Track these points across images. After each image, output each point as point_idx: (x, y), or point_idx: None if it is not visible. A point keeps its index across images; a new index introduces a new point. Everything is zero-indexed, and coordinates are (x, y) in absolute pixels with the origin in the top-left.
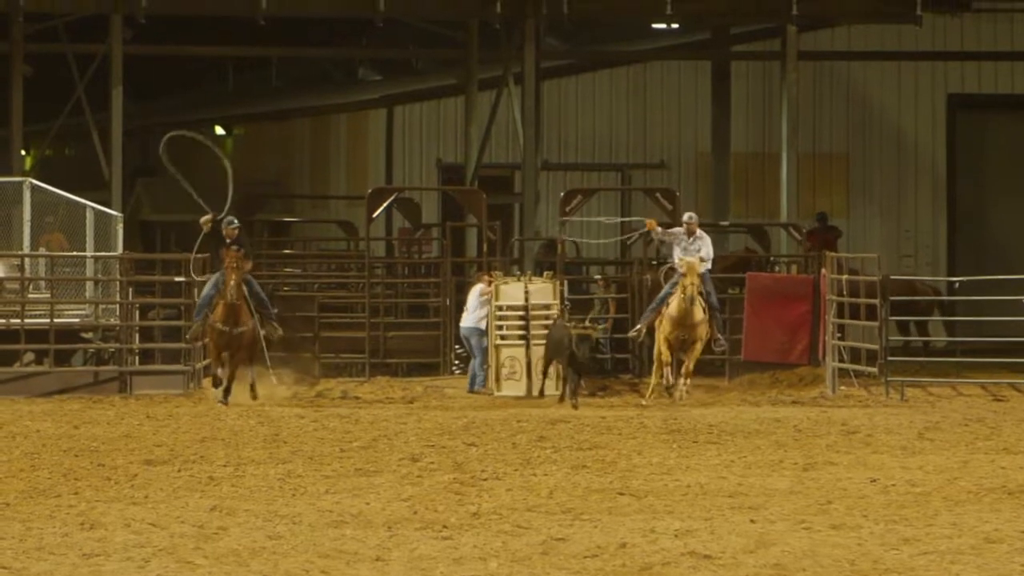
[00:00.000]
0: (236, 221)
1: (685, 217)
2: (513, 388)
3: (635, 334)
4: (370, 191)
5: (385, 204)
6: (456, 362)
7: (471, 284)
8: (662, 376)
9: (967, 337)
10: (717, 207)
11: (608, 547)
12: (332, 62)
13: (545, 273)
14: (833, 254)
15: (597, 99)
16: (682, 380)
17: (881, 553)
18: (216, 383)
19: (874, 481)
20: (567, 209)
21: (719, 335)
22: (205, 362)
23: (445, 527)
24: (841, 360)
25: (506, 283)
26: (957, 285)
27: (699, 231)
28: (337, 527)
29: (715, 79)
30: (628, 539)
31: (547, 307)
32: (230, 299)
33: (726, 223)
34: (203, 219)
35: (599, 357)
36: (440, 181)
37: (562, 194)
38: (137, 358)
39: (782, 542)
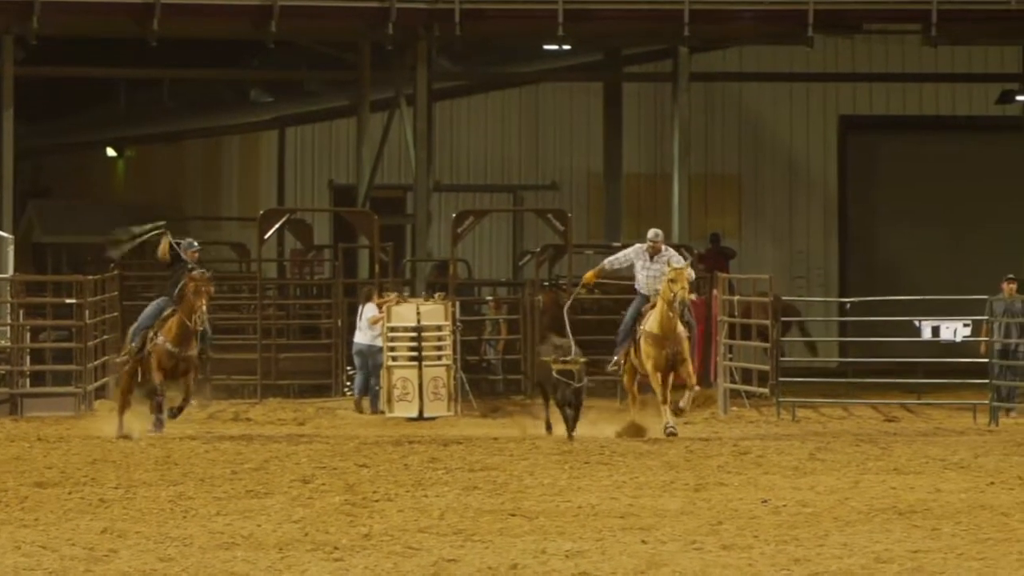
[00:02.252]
0: (196, 243)
1: (650, 234)
2: (405, 409)
3: (614, 368)
4: (262, 212)
5: (277, 225)
6: (348, 383)
7: (363, 301)
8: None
9: (858, 358)
10: (609, 228)
11: (499, 568)
12: (224, 83)
13: (437, 294)
14: (725, 275)
15: (489, 120)
16: (670, 415)
17: (772, 574)
18: (124, 409)
19: (765, 501)
20: (458, 230)
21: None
22: (97, 384)
23: (336, 549)
24: (732, 381)
25: (398, 304)
26: (848, 306)
27: (664, 247)
28: (228, 549)
29: (607, 100)
30: (519, 560)
31: (439, 328)
32: (196, 325)
33: (618, 244)
34: (161, 248)
35: (576, 387)
36: (332, 202)
37: (454, 215)
38: (28, 380)
39: (673, 563)
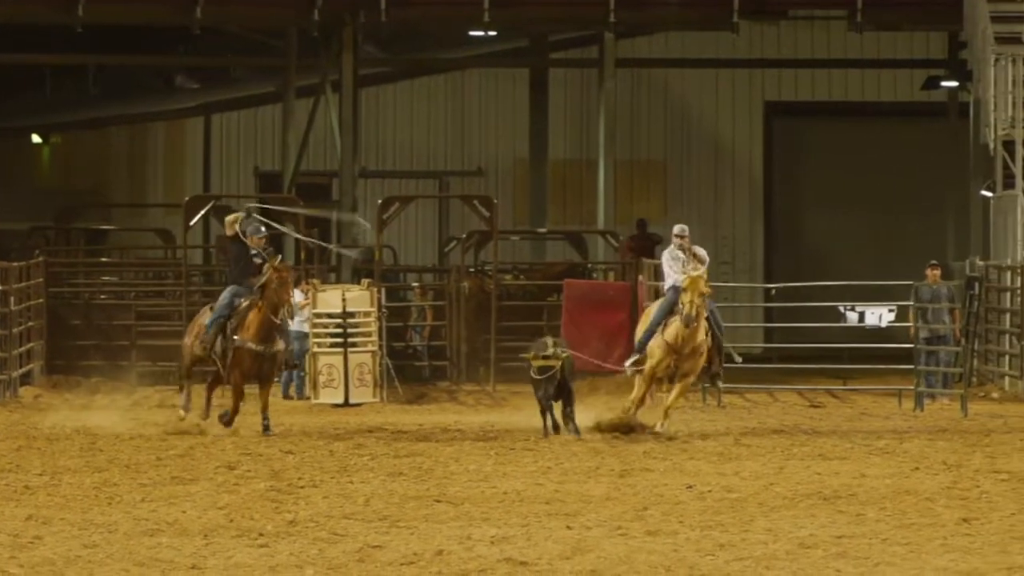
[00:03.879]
0: (264, 230)
1: (676, 229)
2: (330, 396)
3: (633, 368)
4: (187, 199)
5: (202, 212)
6: None
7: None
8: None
9: (784, 344)
10: (535, 214)
11: (424, 554)
12: (149, 70)
13: (363, 280)
14: (651, 261)
15: (415, 107)
16: (661, 421)
17: (697, 559)
18: (206, 414)
19: (690, 487)
20: (384, 217)
21: (718, 366)
22: (23, 371)
23: (261, 535)
24: None
25: (323, 290)
26: (773, 292)
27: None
28: (153, 536)
29: (533, 87)
30: (445, 546)
31: (366, 314)
32: (283, 318)
33: (543, 230)
34: (230, 217)
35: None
36: (257, 189)
37: (379, 202)
38: None
39: (598, 548)
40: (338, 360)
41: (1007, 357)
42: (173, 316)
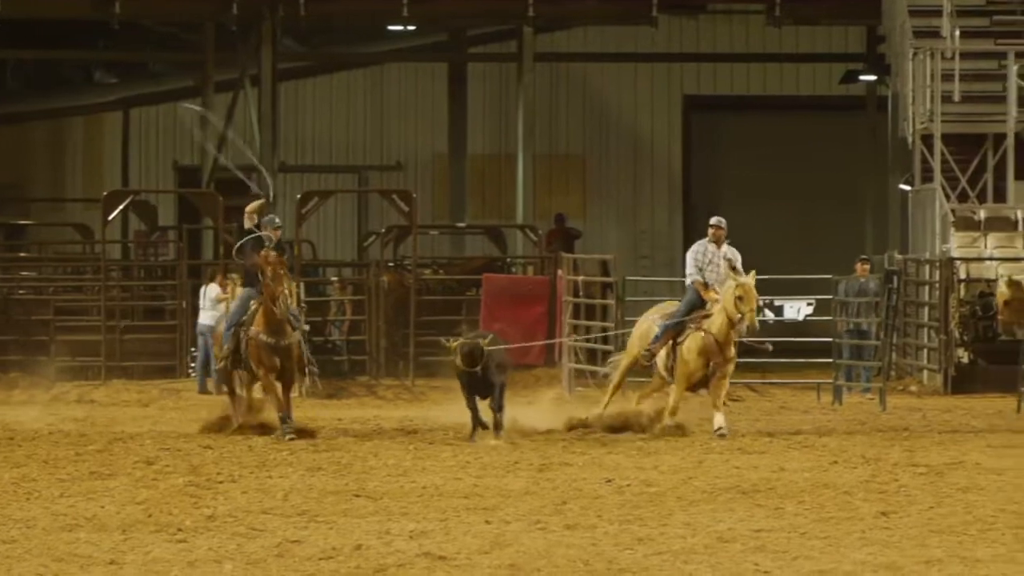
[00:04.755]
0: (279, 220)
1: (713, 220)
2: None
3: (646, 355)
4: (106, 194)
5: (121, 207)
6: (192, 364)
7: (206, 282)
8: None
9: None
10: (454, 209)
11: (343, 549)
12: (68, 64)
13: None
14: (569, 255)
15: (334, 101)
16: (720, 418)
17: (615, 553)
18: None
19: (609, 481)
20: (303, 211)
21: None
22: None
23: (180, 530)
24: (577, 361)
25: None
26: None
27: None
28: (71, 531)
29: (452, 81)
30: (363, 541)
31: None
32: (281, 313)
33: (462, 225)
34: (251, 207)
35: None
36: (176, 183)
37: (298, 196)
38: None
39: (517, 543)
40: None
41: (925, 351)
42: (92, 311)
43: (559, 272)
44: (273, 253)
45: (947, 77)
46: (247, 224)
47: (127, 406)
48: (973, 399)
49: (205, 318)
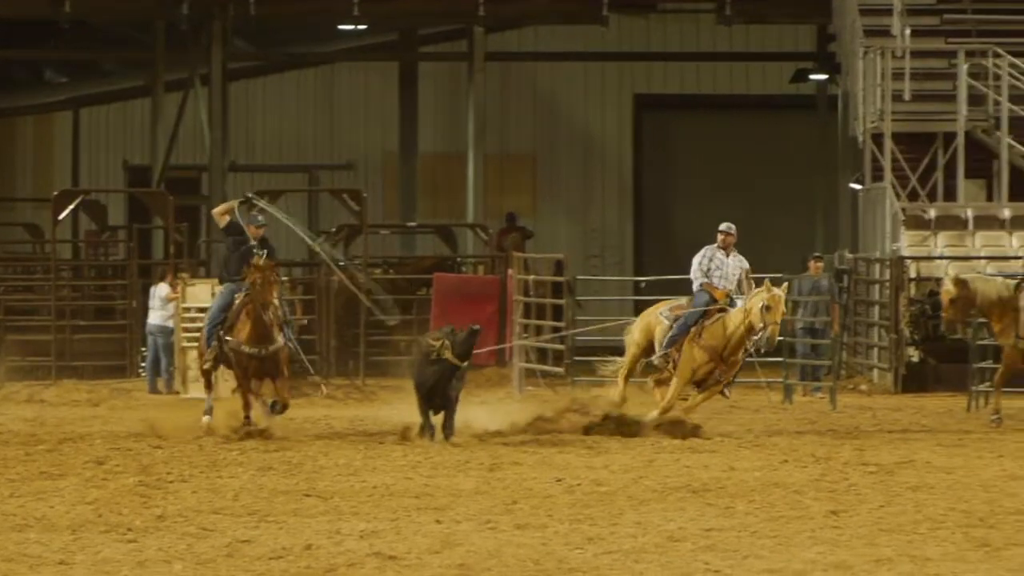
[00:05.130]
0: (262, 219)
1: (723, 226)
2: (200, 390)
3: (660, 363)
4: (56, 193)
5: (71, 206)
6: (142, 364)
7: (156, 281)
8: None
9: None
10: (404, 208)
11: (294, 548)
12: (18, 63)
13: None
14: (520, 255)
15: (284, 100)
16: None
17: (566, 553)
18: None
19: (560, 481)
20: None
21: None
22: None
23: (130, 530)
24: (528, 360)
25: (192, 284)
26: (643, 285)
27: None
28: (21, 531)
29: (402, 80)
30: (314, 540)
31: None
32: (271, 321)
33: (413, 224)
34: (222, 208)
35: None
36: (127, 183)
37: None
38: None
39: (467, 542)
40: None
41: (876, 350)
42: (42, 311)
43: (509, 271)
44: (264, 260)
45: (897, 76)
46: (220, 223)
47: (77, 406)
48: (923, 398)
49: (155, 318)
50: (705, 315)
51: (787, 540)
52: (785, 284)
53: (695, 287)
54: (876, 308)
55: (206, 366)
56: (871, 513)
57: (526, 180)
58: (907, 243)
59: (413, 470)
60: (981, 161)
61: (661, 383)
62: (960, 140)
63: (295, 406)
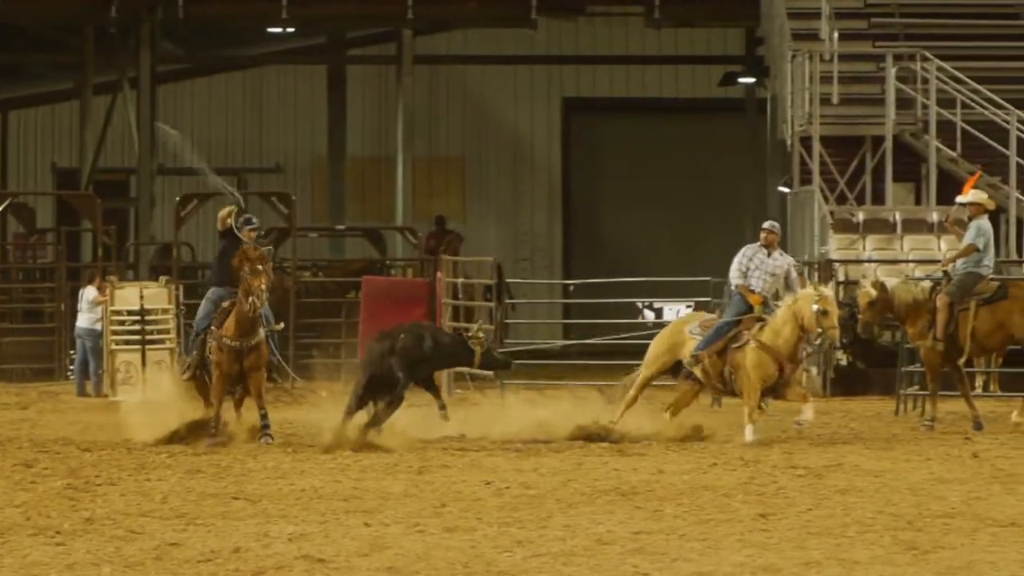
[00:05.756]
0: (256, 221)
1: (766, 224)
2: (128, 393)
3: (692, 361)
4: None
5: None
6: (71, 367)
7: (84, 284)
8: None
9: (582, 340)
10: (333, 211)
11: (222, 552)
12: None
13: (161, 278)
14: (449, 257)
15: (213, 103)
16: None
17: (495, 555)
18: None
19: (488, 483)
20: (182, 214)
21: None
22: None
23: (58, 533)
24: None
25: (121, 287)
26: (572, 288)
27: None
28: None
29: (331, 83)
30: (242, 544)
31: (164, 311)
32: (253, 309)
33: (342, 227)
34: (224, 211)
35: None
36: (55, 185)
37: (177, 199)
38: None
39: (396, 545)
40: (136, 357)
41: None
42: None
43: (439, 275)
44: (255, 248)
45: (826, 79)
46: (220, 227)
47: (5, 409)
48: (852, 401)
49: (83, 321)
50: (741, 321)
51: (716, 543)
52: (831, 283)
53: (731, 287)
54: None
55: (185, 376)
56: (800, 516)
57: (455, 183)
58: (835, 246)
59: (342, 473)
60: (909, 164)
61: (676, 412)
62: (888, 144)
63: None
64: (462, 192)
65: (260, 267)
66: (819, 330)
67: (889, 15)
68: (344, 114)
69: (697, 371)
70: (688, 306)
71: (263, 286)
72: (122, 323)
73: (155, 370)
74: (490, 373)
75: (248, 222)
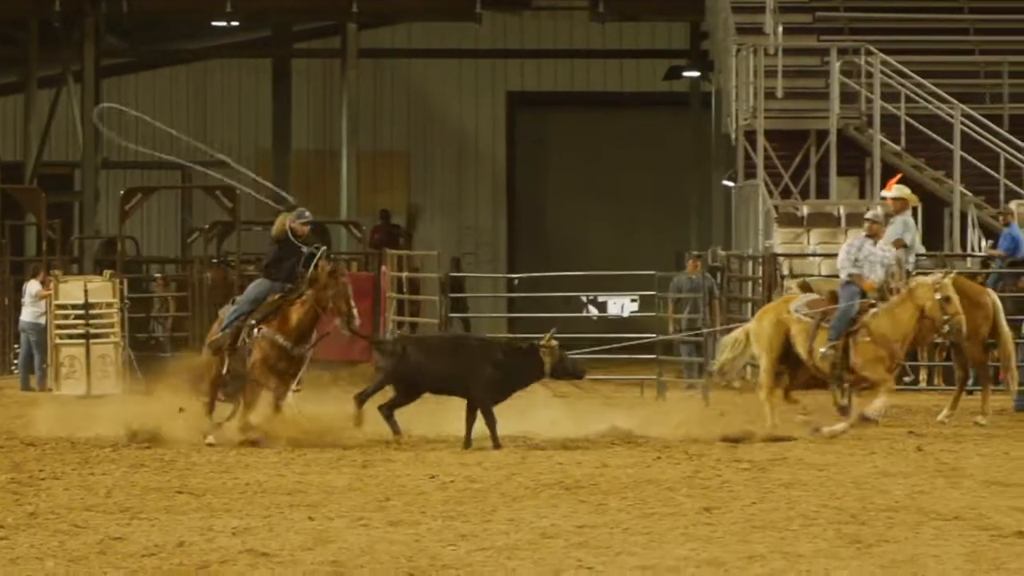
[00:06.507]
0: (308, 214)
1: (869, 214)
2: (73, 387)
3: (831, 351)
4: None
5: None
6: (15, 361)
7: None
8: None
9: (527, 334)
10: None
11: (166, 546)
12: None
13: (105, 272)
14: (394, 251)
15: (157, 97)
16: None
17: (439, 549)
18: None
19: (433, 477)
20: (126, 208)
21: None
22: None
23: (2, 527)
24: None
25: (65, 281)
26: (516, 282)
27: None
28: None
29: (276, 77)
30: (186, 537)
31: (108, 305)
32: (347, 326)
33: None
34: (282, 218)
35: None
36: None
37: (122, 192)
38: None
39: (340, 539)
40: (80, 351)
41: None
42: None
43: (383, 269)
44: (339, 264)
45: (770, 73)
46: (274, 233)
47: None
48: (796, 394)
49: (27, 315)
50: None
51: (660, 537)
52: (949, 270)
53: (843, 277)
54: (749, 305)
55: (211, 345)
56: (744, 510)
57: (400, 177)
58: (780, 240)
59: (286, 467)
60: (853, 158)
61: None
62: (832, 137)
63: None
64: (407, 186)
65: (342, 283)
66: (945, 317)
67: (834, 9)
68: (289, 108)
69: (825, 364)
70: (633, 300)
71: (353, 304)
72: (66, 317)
73: (99, 364)
74: None
75: (300, 215)
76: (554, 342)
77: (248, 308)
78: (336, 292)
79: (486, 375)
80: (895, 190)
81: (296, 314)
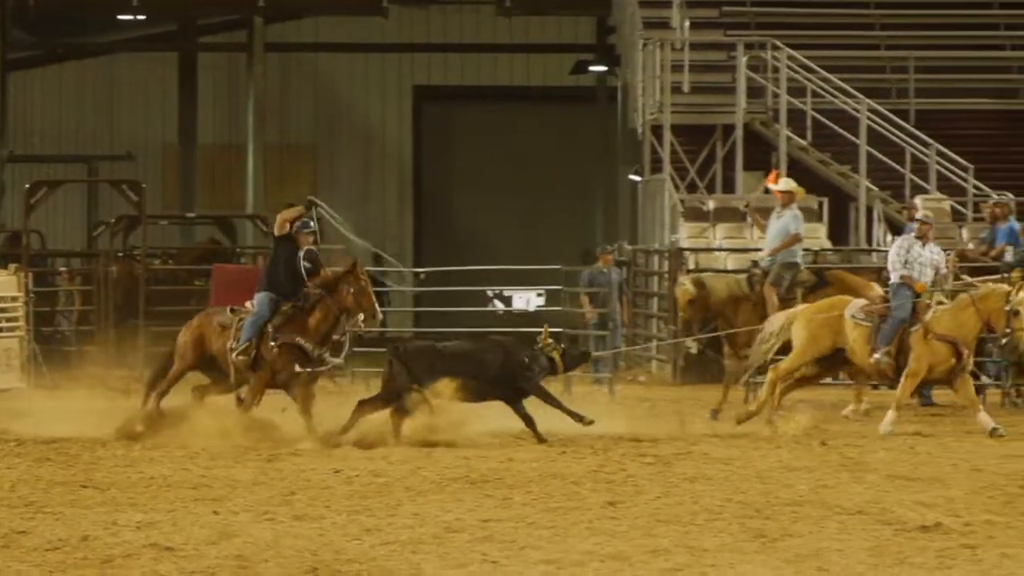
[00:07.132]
0: (313, 224)
1: (919, 215)
2: (13, 381)
3: (884, 357)
4: None
5: None
6: None
7: None
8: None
9: (432, 328)
10: (184, 198)
11: (70, 540)
12: None
13: (10, 265)
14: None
15: (63, 91)
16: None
17: (343, 543)
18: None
19: (338, 472)
20: (32, 201)
21: None
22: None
23: None
24: None
25: None
26: (422, 276)
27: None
28: None
29: (182, 71)
30: (90, 532)
31: (13, 299)
32: (365, 325)
33: (192, 215)
34: (288, 214)
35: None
36: None
37: (27, 186)
38: None
39: (245, 533)
40: (15, 344)
41: (655, 341)
42: None
43: None
44: (362, 266)
45: (677, 68)
46: (277, 232)
47: None
48: (701, 389)
49: None
50: (914, 310)
51: (564, 531)
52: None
53: (893, 279)
54: (655, 300)
55: (239, 364)
56: (648, 504)
57: (306, 171)
58: (686, 235)
59: (191, 461)
60: (760, 153)
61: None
62: (739, 132)
63: (74, 397)
64: (313, 180)
65: (363, 282)
66: (1008, 330)
67: (740, 4)
68: (195, 102)
69: (883, 367)
70: (539, 294)
71: (375, 302)
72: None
73: (4, 358)
74: (339, 360)
75: (305, 225)
76: (550, 340)
77: (268, 313)
78: (359, 289)
79: (534, 376)
80: (783, 183)
81: (315, 318)
